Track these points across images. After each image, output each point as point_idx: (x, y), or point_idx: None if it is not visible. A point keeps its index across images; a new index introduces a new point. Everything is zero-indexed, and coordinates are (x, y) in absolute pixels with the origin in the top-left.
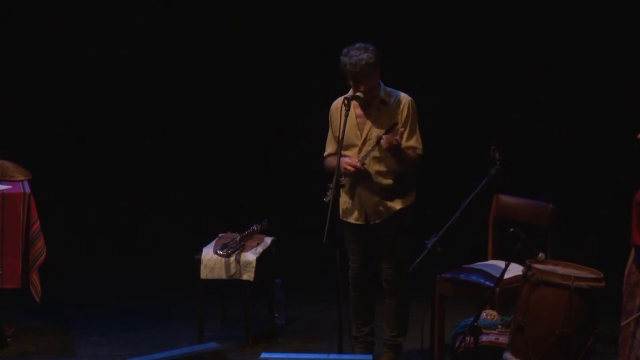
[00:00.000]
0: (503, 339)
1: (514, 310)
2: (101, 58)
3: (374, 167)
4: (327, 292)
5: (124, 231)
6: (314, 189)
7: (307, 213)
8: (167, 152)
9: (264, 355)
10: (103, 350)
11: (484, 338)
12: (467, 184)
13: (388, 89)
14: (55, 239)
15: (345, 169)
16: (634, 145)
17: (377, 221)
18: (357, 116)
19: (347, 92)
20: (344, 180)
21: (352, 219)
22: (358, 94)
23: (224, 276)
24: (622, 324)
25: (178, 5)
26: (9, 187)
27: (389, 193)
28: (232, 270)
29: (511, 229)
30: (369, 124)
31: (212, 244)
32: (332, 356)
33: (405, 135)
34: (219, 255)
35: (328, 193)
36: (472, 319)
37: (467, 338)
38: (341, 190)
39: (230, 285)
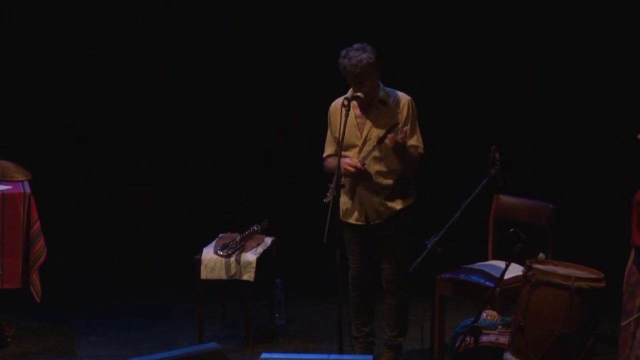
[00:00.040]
0: (503, 340)
1: (514, 310)
2: (101, 58)
3: (374, 167)
4: (327, 292)
5: (124, 231)
6: (314, 189)
7: (307, 213)
8: (167, 152)
9: (264, 355)
10: (103, 350)
11: (484, 338)
12: (467, 184)
13: (387, 88)
14: (55, 239)
15: (345, 169)
16: (634, 146)
17: (378, 221)
18: (356, 116)
19: (346, 92)
20: (344, 180)
21: (353, 220)
22: (358, 94)
23: (224, 276)
24: (622, 324)
25: (178, 5)
26: (9, 187)
27: (389, 193)
28: (233, 271)
29: (511, 229)
30: (368, 124)
31: (213, 244)
32: (332, 356)
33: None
34: (219, 255)
35: (328, 194)
36: (472, 319)
37: (467, 338)
38: (341, 190)
39: (231, 286)
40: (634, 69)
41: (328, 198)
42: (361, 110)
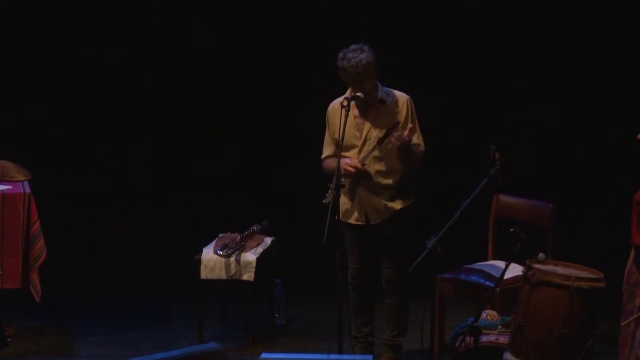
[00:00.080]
0: (503, 340)
1: (514, 310)
2: (101, 58)
3: (374, 167)
4: (328, 292)
5: (123, 231)
6: (314, 189)
7: (307, 213)
8: (167, 152)
9: (264, 355)
10: (103, 351)
11: (484, 338)
12: (467, 184)
13: (385, 88)
14: (55, 239)
15: (345, 170)
16: (634, 146)
17: (378, 221)
18: (355, 117)
19: (345, 92)
20: (344, 181)
21: (353, 220)
22: (359, 94)
23: (224, 276)
24: (622, 324)
25: (178, 5)
26: (10, 187)
27: (389, 193)
28: (233, 271)
29: (511, 230)
30: (368, 124)
31: (213, 244)
32: (332, 357)
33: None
34: (220, 255)
35: (327, 195)
36: (472, 319)
37: (468, 338)
38: (341, 191)
39: (231, 286)
40: (634, 69)
41: (328, 199)
42: (360, 110)
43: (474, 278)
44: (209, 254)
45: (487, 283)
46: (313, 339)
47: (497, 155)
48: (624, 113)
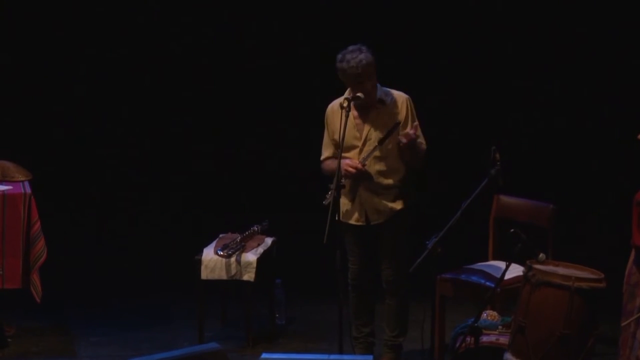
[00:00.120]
0: (503, 340)
1: (514, 310)
2: (101, 58)
3: (374, 167)
4: (328, 292)
5: (124, 231)
6: (314, 189)
7: (307, 214)
8: (167, 152)
9: (264, 355)
10: (103, 351)
11: (485, 339)
12: (467, 184)
13: (384, 88)
14: (55, 239)
15: (346, 170)
16: (634, 146)
17: (378, 221)
18: (354, 117)
19: (343, 93)
20: (345, 181)
21: (353, 220)
22: (359, 94)
23: (224, 277)
24: (623, 324)
25: (178, 5)
26: (10, 187)
27: (389, 193)
28: (233, 271)
29: (512, 230)
30: (368, 124)
31: (213, 244)
32: (332, 357)
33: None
34: (220, 255)
35: (327, 196)
36: (472, 319)
37: (468, 338)
38: (341, 192)
39: (231, 286)
40: (634, 69)
41: (328, 200)
42: (359, 111)
43: (474, 278)
44: (209, 254)
45: (487, 283)
46: (313, 339)
47: (497, 155)
48: (624, 113)
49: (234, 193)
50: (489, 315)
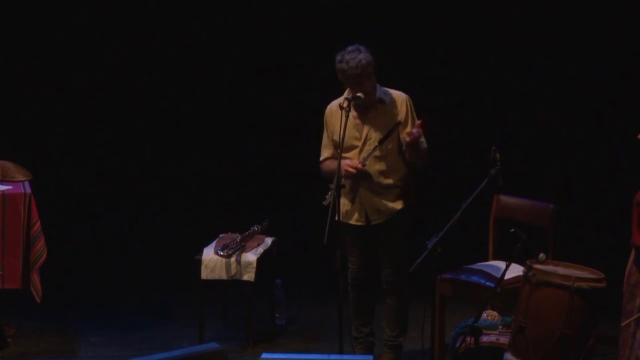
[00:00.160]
0: (504, 340)
1: (514, 310)
2: (101, 58)
3: (374, 167)
4: (328, 292)
5: (124, 231)
6: (314, 189)
7: (307, 213)
8: (167, 152)
9: (264, 355)
10: (103, 351)
11: (485, 338)
12: (467, 184)
13: (383, 88)
14: (55, 239)
15: (346, 170)
16: (634, 145)
17: (378, 221)
18: (354, 118)
19: (343, 94)
20: (345, 181)
21: (353, 221)
22: (359, 94)
23: (224, 277)
24: (623, 324)
25: (178, 5)
26: (10, 187)
27: (389, 193)
28: (233, 271)
29: (512, 230)
30: (367, 124)
31: (213, 244)
32: (332, 357)
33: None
34: (220, 255)
35: (327, 196)
36: (472, 319)
37: (468, 338)
38: (341, 192)
39: (231, 286)
40: (634, 69)
41: (328, 200)
42: (358, 111)
43: (474, 278)
44: (209, 254)
45: (488, 283)
46: (313, 339)
47: (497, 155)
48: (624, 113)
49: (234, 193)
50: (489, 315)
